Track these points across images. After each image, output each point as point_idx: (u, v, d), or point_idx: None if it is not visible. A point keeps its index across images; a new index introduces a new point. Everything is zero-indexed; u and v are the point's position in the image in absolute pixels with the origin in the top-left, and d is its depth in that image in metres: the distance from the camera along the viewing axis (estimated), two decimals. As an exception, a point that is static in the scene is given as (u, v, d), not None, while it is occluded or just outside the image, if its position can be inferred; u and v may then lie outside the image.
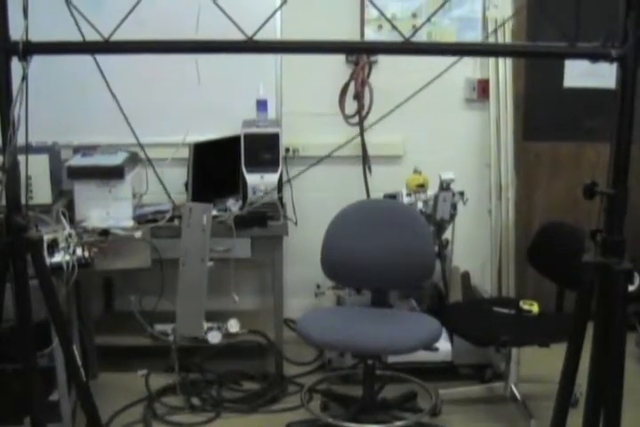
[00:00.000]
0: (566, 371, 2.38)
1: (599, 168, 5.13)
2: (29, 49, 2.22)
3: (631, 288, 2.30)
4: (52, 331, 3.35)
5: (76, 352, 2.58)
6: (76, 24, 2.26)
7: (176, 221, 4.45)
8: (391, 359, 4.49)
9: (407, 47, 2.20)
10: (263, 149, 4.53)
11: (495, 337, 4.03)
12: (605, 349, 2.28)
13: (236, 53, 2.36)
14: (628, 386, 2.26)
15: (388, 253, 4.20)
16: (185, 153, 4.59)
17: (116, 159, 4.40)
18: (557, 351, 2.64)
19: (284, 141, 4.77)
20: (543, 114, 5.49)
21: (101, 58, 2.34)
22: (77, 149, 4.63)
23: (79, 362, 2.58)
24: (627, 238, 2.24)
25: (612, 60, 2.11)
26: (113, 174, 4.32)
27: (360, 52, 4.61)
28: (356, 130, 5.16)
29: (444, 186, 4.48)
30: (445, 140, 5.28)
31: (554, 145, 5.53)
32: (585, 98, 5.33)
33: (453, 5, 5.04)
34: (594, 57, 2.16)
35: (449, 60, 4.65)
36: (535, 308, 4.21)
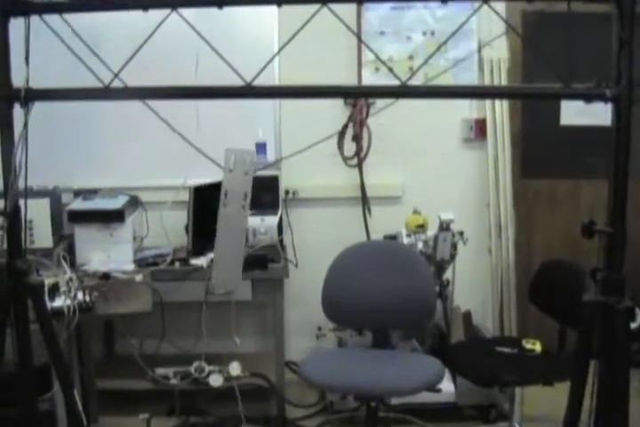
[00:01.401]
0: (570, 409, 2.37)
1: (598, 205, 5.11)
2: (31, 96, 2.24)
3: (633, 325, 2.29)
4: (53, 375, 3.34)
5: (77, 397, 2.58)
6: (84, 64, 2.29)
7: (176, 264, 4.45)
8: (394, 401, 4.47)
9: (404, 91, 2.22)
10: (263, 191, 4.55)
11: (498, 377, 4.01)
12: (609, 387, 2.28)
13: (234, 99, 2.38)
14: (633, 424, 2.26)
15: (389, 294, 4.20)
16: (185, 196, 4.61)
17: (117, 203, 4.42)
18: (561, 390, 2.63)
19: (284, 184, 4.79)
20: (541, 152, 5.52)
21: (102, 103, 2.36)
22: (78, 193, 4.65)
23: (80, 406, 2.58)
24: (627, 274, 2.25)
25: (606, 100, 2.13)
26: (113, 218, 4.34)
27: (357, 97, 4.65)
28: (355, 171, 5.18)
29: (444, 226, 4.49)
30: (444, 180, 5.30)
31: (552, 183, 5.55)
32: (581, 135, 5.36)
33: (449, 47, 5.08)
34: (588, 97, 2.18)
35: (446, 100, 4.71)
36: (538, 347, 4.20)
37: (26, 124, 2.28)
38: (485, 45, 5.12)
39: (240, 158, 3.05)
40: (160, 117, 2.47)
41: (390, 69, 2.27)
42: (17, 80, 2.37)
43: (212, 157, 4.61)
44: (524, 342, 4.24)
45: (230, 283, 3.18)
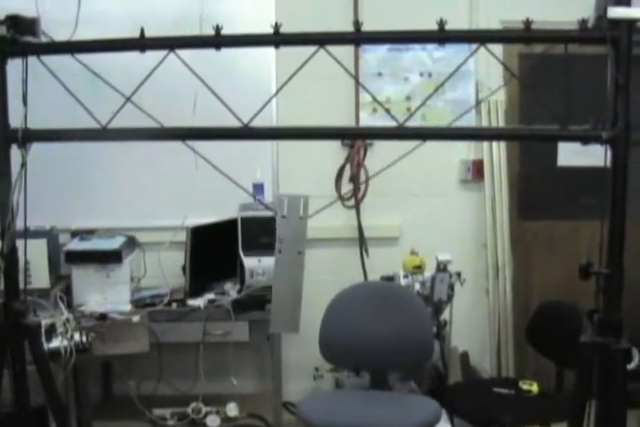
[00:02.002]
0: (568, 451, 2.36)
1: (596, 246, 5.12)
2: (28, 136, 2.26)
3: (631, 366, 2.29)
4: (50, 416, 3.32)
5: (74, 439, 2.57)
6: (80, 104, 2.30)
7: (173, 305, 4.45)
8: (392, 442, 4.44)
9: (402, 132, 2.23)
10: (260, 232, 4.55)
11: (496, 418, 4.00)
12: (607, 428, 2.27)
13: (231, 140, 2.40)
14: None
15: (386, 335, 4.19)
16: (182, 237, 4.62)
17: (114, 243, 4.43)
18: (559, 431, 2.63)
19: (281, 224, 4.79)
20: (538, 193, 5.53)
21: (100, 144, 2.38)
22: (75, 234, 4.66)
23: (77, 449, 2.56)
24: (625, 313, 2.25)
25: (602, 142, 2.15)
26: (111, 258, 4.34)
27: (354, 138, 4.67)
28: (353, 212, 5.19)
29: (441, 267, 4.48)
30: (442, 221, 5.30)
31: (550, 224, 5.55)
32: (579, 176, 5.36)
33: (447, 88, 5.12)
34: (585, 139, 2.19)
35: (443, 141, 4.72)
36: (535, 387, 4.19)
37: (23, 165, 2.28)
38: (483, 88, 5.16)
39: (293, 203, 3.05)
40: (197, 153, 2.48)
41: (387, 111, 2.29)
42: (14, 121, 2.39)
43: (211, 197, 4.64)
44: (521, 382, 4.23)
45: (289, 325, 3.16)
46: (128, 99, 2.28)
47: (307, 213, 3.01)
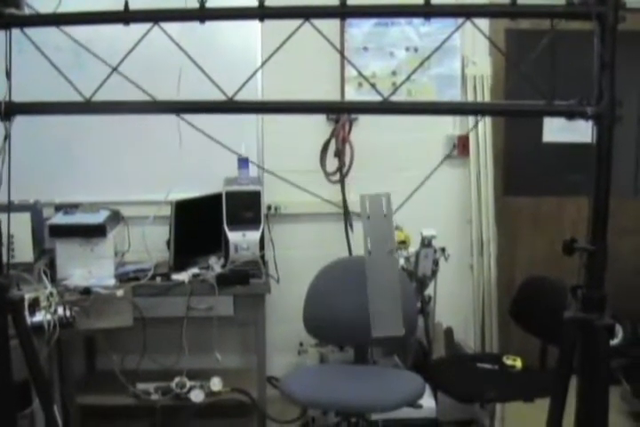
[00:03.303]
0: (550, 426, 2.37)
1: (580, 222, 5.11)
2: (12, 109, 2.23)
3: (614, 342, 2.30)
4: (33, 391, 3.32)
5: (57, 413, 2.56)
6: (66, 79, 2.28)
7: (158, 279, 4.44)
8: (375, 417, 4.45)
9: (387, 107, 2.22)
10: (245, 206, 4.54)
11: (479, 393, 4.02)
12: (589, 403, 2.28)
13: (216, 114, 2.38)
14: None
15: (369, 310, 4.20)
16: (167, 211, 4.60)
17: (98, 218, 4.41)
18: (542, 406, 2.63)
19: (266, 199, 4.78)
20: (523, 169, 5.54)
21: (84, 117, 2.35)
22: (59, 208, 4.63)
23: (60, 422, 2.56)
24: (608, 291, 2.25)
25: (587, 117, 2.14)
26: (95, 233, 4.33)
27: (340, 112, 4.65)
28: (338, 187, 5.18)
29: (426, 242, 4.49)
30: (427, 197, 5.30)
31: (535, 200, 5.56)
32: (564, 152, 5.37)
33: (433, 63, 5.10)
34: (570, 115, 2.19)
35: (429, 117, 4.72)
36: (518, 363, 4.21)
37: (6, 138, 2.27)
38: (469, 63, 5.15)
39: (375, 203, 3.02)
40: (195, 127, 2.47)
41: (373, 85, 2.28)
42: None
43: (195, 171, 4.62)
44: (504, 358, 4.25)
45: (391, 327, 3.13)
46: (114, 69, 2.27)
47: (390, 211, 2.99)
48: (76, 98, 2.34)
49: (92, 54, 2.47)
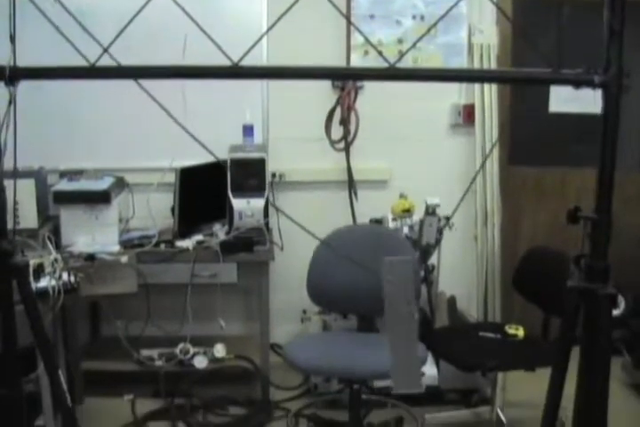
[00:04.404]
0: (551, 395, 2.37)
1: (585, 193, 5.15)
2: (16, 74, 2.22)
3: (616, 313, 2.30)
4: (38, 356, 3.33)
5: (62, 378, 2.57)
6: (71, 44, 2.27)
7: (162, 246, 4.45)
8: (377, 384, 4.48)
9: (393, 73, 2.21)
10: (249, 174, 4.53)
11: (481, 362, 4.03)
12: (590, 373, 2.28)
13: (221, 79, 2.37)
14: (612, 410, 2.26)
15: (373, 279, 4.20)
16: (171, 178, 4.60)
17: (103, 184, 4.41)
18: (543, 375, 2.63)
19: (271, 167, 4.78)
20: (529, 139, 5.52)
21: (88, 84, 2.35)
22: (64, 174, 4.63)
23: (65, 387, 2.57)
24: (611, 263, 2.25)
25: (595, 86, 2.13)
26: (99, 199, 4.33)
27: (346, 78, 4.63)
28: (342, 155, 5.17)
29: (430, 211, 4.48)
30: (431, 166, 5.30)
31: (539, 170, 5.55)
32: (570, 123, 5.36)
33: (439, 32, 5.08)
34: (577, 83, 2.17)
35: (435, 85, 4.71)
36: (521, 332, 4.21)
37: (11, 103, 2.26)
38: (476, 31, 5.12)
39: (399, 267, 3.01)
40: (152, 97, 2.45)
41: (380, 53, 2.26)
42: (1, 59, 2.35)
43: (200, 138, 4.60)
44: (507, 327, 4.26)
45: (411, 384, 3.15)
46: (120, 33, 2.25)
47: (412, 276, 2.99)
48: (81, 62, 2.32)
49: (95, 21, 2.45)
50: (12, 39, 2.32)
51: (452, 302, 5.09)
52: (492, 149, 5.22)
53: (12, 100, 2.27)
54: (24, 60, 2.30)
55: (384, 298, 3.10)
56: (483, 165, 5.27)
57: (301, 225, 2.31)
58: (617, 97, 2.14)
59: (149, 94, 2.40)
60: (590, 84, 2.13)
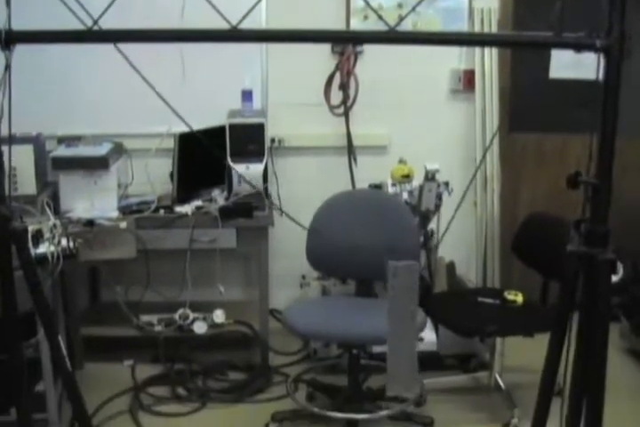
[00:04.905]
0: (549, 361, 2.38)
1: (585, 159, 5.12)
2: (12, 38, 2.20)
3: (615, 279, 2.29)
4: (38, 322, 3.34)
5: (62, 343, 2.58)
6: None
7: (161, 212, 4.45)
8: (376, 349, 4.49)
9: (392, 36, 2.19)
10: (248, 139, 4.51)
11: (480, 328, 4.04)
12: (589, 339, 2.29)
13: (220, 42, 2.35)
14: (610, 376, 2.27)
15: (373, 244, 4.20)
16: (170, 144, 4.59)
17: (101, 150, 4.39)
18: (541, 341, 2.65)
19: (270, 132, 4.76)
20: (529, 105, 5.49)
21: (86, 48, 2.32)
22: (62, 140, 4.62)
23: (65, 353, 2.58)
24: (611, 229, 2.24)
25: (596, 50, 2.11)
26: (98, 165, 4.31)
27: (346, 42, 4.59)
28: (342, 120, 5.16)
29: (429, 176, 4.47)
30: (431, 131, 5.28)
31: (539, 136, 5.54)
32: (571, 89, 5.32)
33: (439, -4, 5.05)
34: (578, 47, 2.16)
35: (434, 50, 4.69)
36: (520, 298, 4.22)
37: (7, 68, 2.24)
38: None
39: (404, 273, 3.01)
40: (130, 63, 2.43)
41: (380, 16, 2.24)
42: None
43: (198, 105, 4.59)
44: (506, 293, 4.26)
45: (407, 388, 3.17)
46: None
47: (416, 284, 2.98)
48: (78, 26, 2.30)
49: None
50: (8, 3, 2.30)
51: (450, 267, 5.10)
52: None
53: (7, 65, 2.25)
54: (20, 24, 2.29)
55: (387, 302, 3.11)
56: (483, 131, 5.25)
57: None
58: (618, 61, 2.12)
59: (127, 59, 2.39)
60: (592, 48, 2.12)
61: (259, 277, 4.62)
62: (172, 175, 4.65)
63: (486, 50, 5.12)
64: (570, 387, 2.38)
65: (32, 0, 3.16)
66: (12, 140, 2.34)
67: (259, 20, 4.71)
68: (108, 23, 2.26)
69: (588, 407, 2.29)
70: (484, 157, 5.23)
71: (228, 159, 4.49)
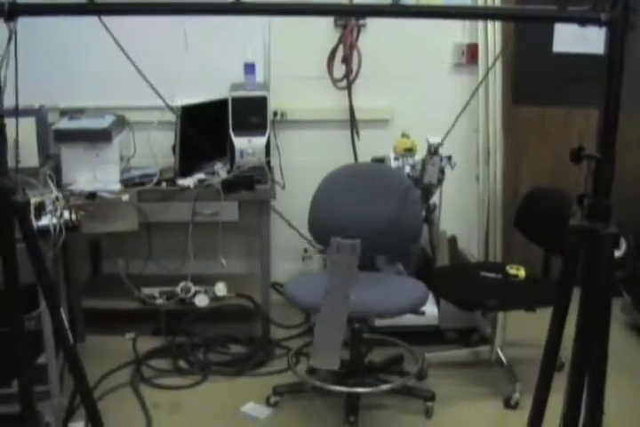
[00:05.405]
0: (551, 335, 2.38)
1: (587, 134, 5.13)
2: (15, 10, 2.19)
3: (617, 253, 2.29)
4: (40, 294, 3.35)
5: (64, 315, 2.59)
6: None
7: (163, 185, 4.44)
8: (378, 323, 4.51)
9: (396, 10, 2.18)
10: (251, 112, 4.50)
11: (482, 301, 4.05)
12: (591, 314, 2.29)
13: (222, 15, 2.34)
14: (612, 351, 2.28)
15: (375, 218, 4.20)
16: (172, 116, 4.57)
17: (103, 122, 4.39)
18: (543, 316, 2.65)
19: (272, 105, 4.75)
20: (532, 79, 5.47)
21: (88, 21, 2.31)
22: (64, 113, 4.61)
23: (66, 325, 2.58)
24: (614, 206, 2.24)
25: (601, 24, 2.10)
26: (100, 138, 4.31)
27: (349, 15, 4.57)
28: (344, 94, 5.14)
29: (432, 150, 4.46)
30: (434, 105, 5.26)
31: (542, 110, 5.52)
32: (574, 63, 5.30)
33: (443, -31, 5.01)
34: (583, 21, 2.14)
35: (438, 24, 4.66)
36: (522, 272, 4.22)
37: (10, 40, 2.23)
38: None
39: (345, 249, 3.04)
40: (114, 38, 2.42)
41: (382, -11, 2.23)
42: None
43: (201, 76, 4.58)
44: (508, 267, 4.27)
45: (326, 363, 3.20)
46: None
47: (357, 257, 3.01)
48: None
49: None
50: (10, -24, 2.28)
51: (452, 241, 5.10)
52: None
53: (11, 37, 2.24)
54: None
55: (327, 276, 3.16)
56: (486, 104, 5.24)
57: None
58: (623, 34, 2.11)
59: (111, 34, 2.38)
60: (596, 21, 2.10)
61: (260, 251, 4.62)
62: (174, 148, 4.63)
63: (489, 23, 5.09)
64: (571, 362, 2.38)
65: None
66: (17, 112, 2.34)
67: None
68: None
69: (590, 382, 2.30)
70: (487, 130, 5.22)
71: (231, 132, 4.49)
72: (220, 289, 4.72)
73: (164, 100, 3.01)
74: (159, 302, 4.66)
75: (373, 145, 4.97)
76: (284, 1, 2.22)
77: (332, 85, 5.11)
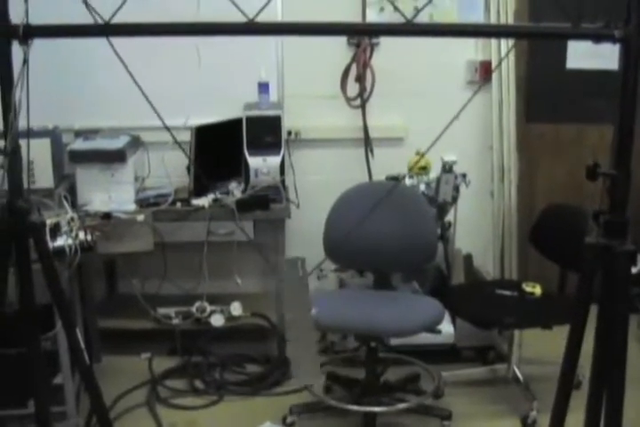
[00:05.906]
0: (569, 353, 2.37)
1: (601, 150, 5.12)
2: (30, 32, 2.21)
3: (634, 270, 2.28)
4: (56, 314, 3.35)
5: (80, 336, 2.59)
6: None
7: (178, 205, 4.45)
8: (394, 342, 4.50)
9: (409, 29, 2.19)
10: (265, 131, 4.52)
11: (498, 319, 4.04)
12: (608, 331, 2.28)
13: (236, 36, 2.35)
14: (630, 368, 2.26)
15: (390, 236, 4.20)
16: (186, 136, 4.58)
17: (118, 143, 4.40)
18: (560, 333, 2.64)
19: (286, 124, 4.75)
20: (546, 95, 5.47)
21: (103, 41, 2.32)
22: (79, 133, 4.63)
23: (82, 345, 2.59)
24: (630, 221, 2.24)
25: (614, 40, 2.10)
26: (115, 158, 4.32)
27: (362, 34, 4.58)
28: (358, 112, 5.15)
29: (447, 168, 4.46)
30: (447, 122, 5.25)
31: (556, 127, 5.52)
32: (588, 79, 5.30)
33: (456, -13, 5.03)
34: (597, 38, 2.14)
35: (450, 41, 4.67)
36: (537, 290, 4.21)
37: (25, 62, 2.24)
38: None
39: (292, 265, 3.07)
40: (119, 57, 2.44)
41: (396, 8, 2.24)
42: (15, 17, 2.33)
43: (215, 96, 4.59)
44: (524, 285, 4.26)
45: (311, 376, 3.23)
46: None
47: (305, 274, 3.04)
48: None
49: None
50: (26, -3, 2.30)
51: (468, 259, 5.09)
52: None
53: (25, 60, 2.26)
54: (37, 19, 2.29)
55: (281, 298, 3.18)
56: (500, 121, 5.24)
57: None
58: (637, 51, 2.11)
59: (117, 54, 2.39)
60: (610, 38, 2.10)
61: (275, 270, 4.62)
62: (188, 168, 4.65)
63: (502, 40, 5.09)
64: (589, 379, 2.37)
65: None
66: (29, 133, 2.35)
67: (274, 13, 4.70)
68: (124, 18, 2.27)
69: (608, 399, 2.29)
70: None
71: (245, 152, 4.50)
72: (236, 308, 4.72)
73: (165, 123, 2.98)
74: (175, 321, 4.66)
75: (388, 163, 4.96)
76: (297, 21, 2.22)
77: (345, 104, 5.12)
